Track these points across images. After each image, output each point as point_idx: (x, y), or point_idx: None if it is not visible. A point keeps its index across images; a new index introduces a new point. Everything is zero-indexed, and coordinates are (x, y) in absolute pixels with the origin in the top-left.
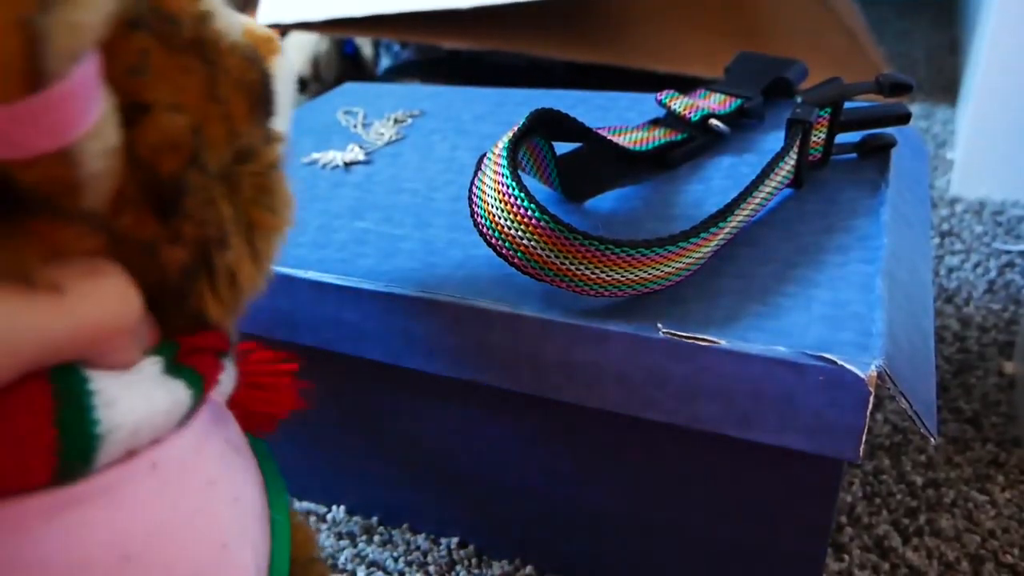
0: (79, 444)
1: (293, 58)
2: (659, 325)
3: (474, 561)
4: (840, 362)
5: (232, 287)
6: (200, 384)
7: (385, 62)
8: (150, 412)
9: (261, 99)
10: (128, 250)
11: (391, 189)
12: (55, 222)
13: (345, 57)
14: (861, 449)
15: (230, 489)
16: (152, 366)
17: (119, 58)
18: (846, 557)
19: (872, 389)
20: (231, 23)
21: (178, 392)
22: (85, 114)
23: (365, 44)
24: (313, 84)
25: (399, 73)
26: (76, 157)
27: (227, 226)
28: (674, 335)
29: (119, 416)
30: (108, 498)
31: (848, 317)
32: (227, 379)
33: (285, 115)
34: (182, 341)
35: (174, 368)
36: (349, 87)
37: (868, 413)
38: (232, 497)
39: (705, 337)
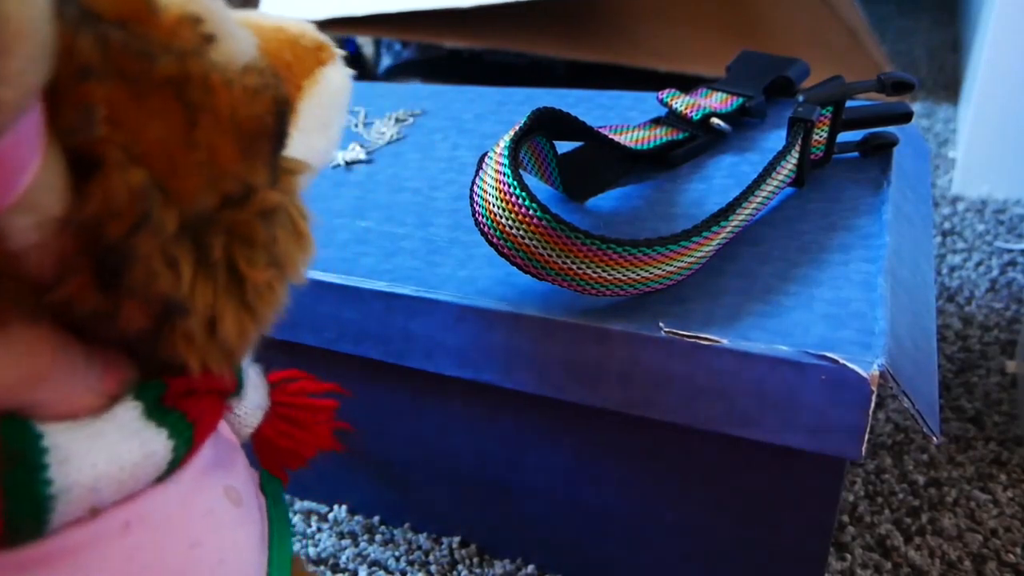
0: (28, 505)
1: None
2: (661, 324)
3: (475, 560)
4: (842, 361)
5: (214, 341)
6: (189, 432)
7: (386, 61)
8: (113, 468)
9: (266, 136)
10: (75, 310)
11: (392, 188)
12: None
13: (346, 56)
14: (863, 448)
15: (216, 551)
16: (128, 411)
17: (67, 112)
18: (848, 556)
19: (874, 388)
20: (239, 48)
21: (154, 443)
22: (10, 185)
23: (366, 43)
24: None
25: (400, 72)
26: (1, 231)
27: (189, 291)
28: (676, 334)
29: (75, 473)
30: (70, 561)
31: (850, 316)
32: (251, 414)
33: (328, 132)
34: (172, 382)
35: (158, 412)
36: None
37: (870, 412)
38: (217, 560)
39: (707, 336)
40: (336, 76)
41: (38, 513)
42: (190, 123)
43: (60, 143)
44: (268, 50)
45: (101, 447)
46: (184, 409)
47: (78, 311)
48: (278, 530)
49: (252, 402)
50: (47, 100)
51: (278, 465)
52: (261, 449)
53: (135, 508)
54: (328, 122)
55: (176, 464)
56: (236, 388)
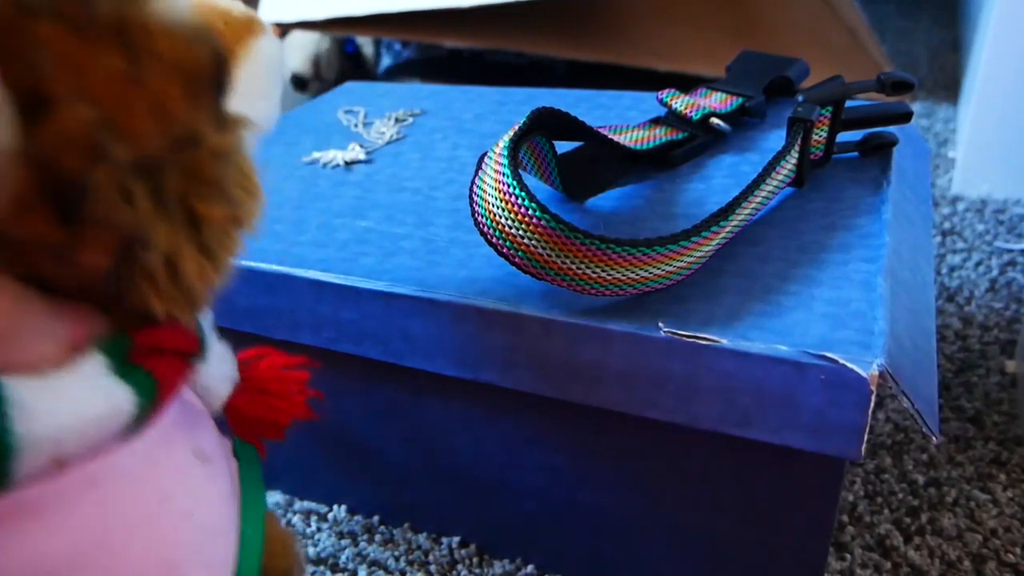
0: None
1: (293, 55)
2: (661, 324)
3: (475, 560)
4: (842, 361)
5: (176, 284)
6: (152, 391)
7: (386, 61)
8: (77, 420)
9: (208, 80)
10: (35, 253)
11: (392, 188)
12: None
13: (346, 56)
14: (863, 448)
15: (186, 504)
16: (93, 366)
17: (12, 49)
18: (848, 556)
19: (874, 388)
20: (173, 2)
21: (118, 398)
22: None
23: (366, 43)
24: (314, 83)
25: (400, 72)
26: None
27: (148, 224)
28: (676, 334)
29: (38, 425)
30: (34, 516)
31: (850, 316)
32: (222, 384)
33: (268, 100)
34: (139, 337)
35: (123, 369)
36: (350, 86)
37: (870, 412)
38: (187, 513)
39: (707, 336)
40: (268, 46)
41: (2, 464)
42: (133, 64)
43: (8, 83)
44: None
45: (65, 399)
46: (149, 367)
47: (39, 252)
48: (250, 490)
49: (220, 372)
50: None
51: (254, 435)
52: (235, 420)
53: (102, 463)
54: (265, 90)
55: (141, 420)
56: (200, 349)
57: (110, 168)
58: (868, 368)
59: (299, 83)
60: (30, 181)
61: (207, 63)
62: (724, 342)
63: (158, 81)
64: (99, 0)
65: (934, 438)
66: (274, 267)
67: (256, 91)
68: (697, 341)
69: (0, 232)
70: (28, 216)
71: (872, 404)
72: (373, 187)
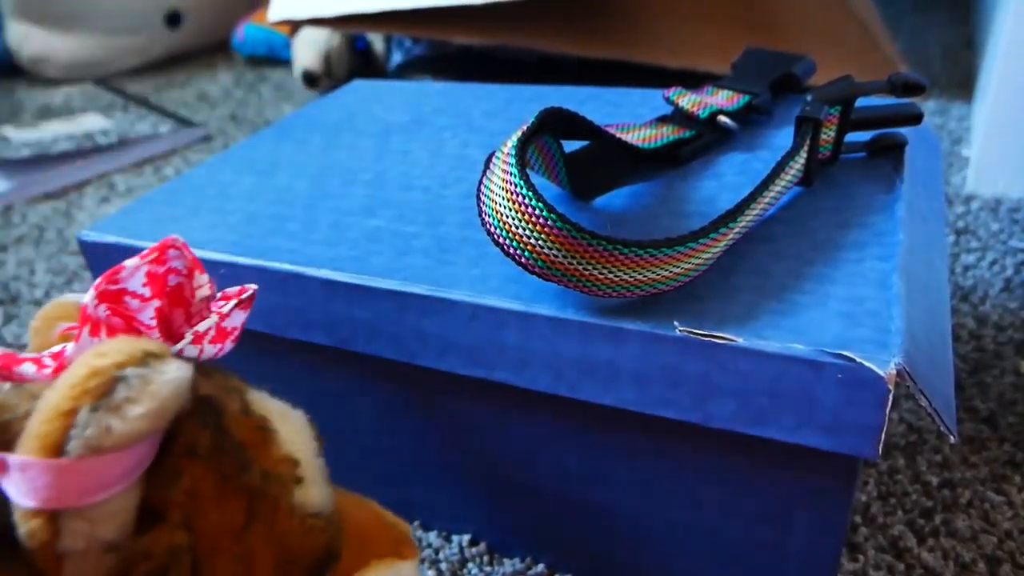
0: None
1: (303, 52)
2: (676, 323)
3: (486, 559)
4: (859, 360)
5: None
6: None
7: (397, 58)
8: None
9: (302, 568)
10: None
11: (402, 186)
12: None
13: (357, 53)
14: (880, 447)
15: None
16: None
17: (163, 469)
18: (861, 557)
19: (891, 387)
20: (318, 495)
21: None
22: (94, 491)
23: (377, 40)
24: (324, 80)
25: (411, 69)
26: (61, 525)
27: None
28: (691, 333)
29: None
30: None
31: (865, 314)
32: None
33: None
34: None
35: None
36: (360, 83)
37: (887, 411)
38: None
39: (722, 335)
40: (408, 573)
41: None
42: (246, 524)
43: (143, 489)
44: (356, 518)
45: None
46: None
47: None
48: None
49: None
50: (156, 454)
51: None
52: None
53: None
54: None
55: None
56: None
57: None
58: (886, 367)
59: (310, 80)
60: (105, 569)
61: (311, 554)
62: (740, 341)
63: (258, 547)
64: (252, 469)
65: (952, 438)
66: (285, 266)
67: None
68: (712, 340)
69: None
70: None
71: (889, 403)
72: (383, 185)
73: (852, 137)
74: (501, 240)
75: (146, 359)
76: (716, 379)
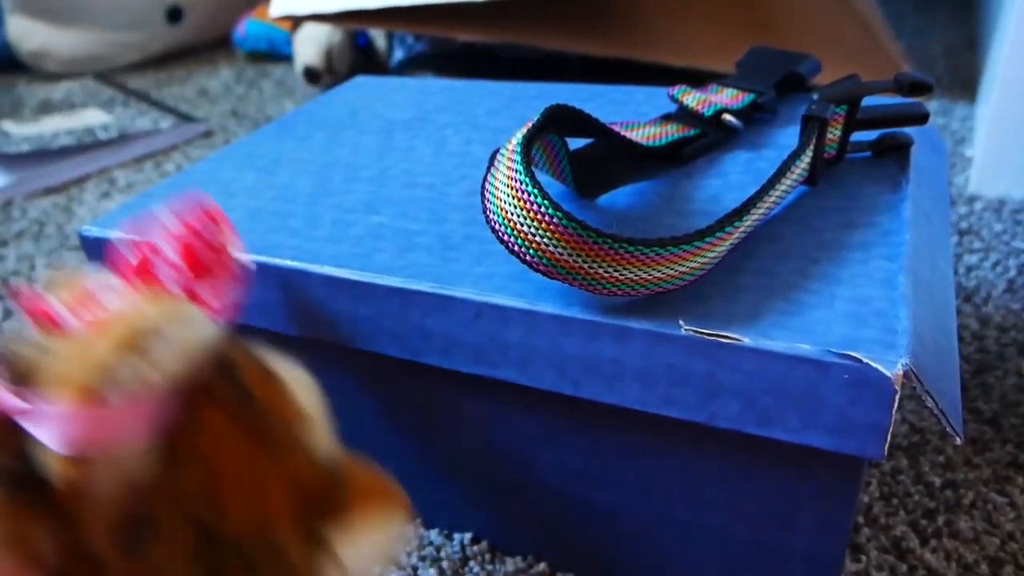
0: None
1: (305, 48)
2: (681, 322)
3: (487, 557)
4: (866, 360)
5: None
6: None
7: (399, 54)
8: None
9: (312, 503)
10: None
11: (405, 183)
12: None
13: (358, 49)
14: (886, 448)
15: None
16: None
17: (188, 416)
18: (863, 558)
19: (898, 388)
20: (328, 446)
21: None
22: (123, 438)
23: (379, 36)
24: (326, 76)
25: (413, 66)
26: (92, 469)
27: None
28: (696, 332)
29: None
30: None
31: (872, 314)
32: None
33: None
34: None
35: None
36: (363, 79)
37: (893, 412)
38: None
39: (727, 334)
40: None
41: None
42: (264, 466)
43: (170, 434)
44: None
45: None
46: None
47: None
48: None
49: None
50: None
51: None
52: None
53: None
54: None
55: None
56: None
57: (187, 527)
58: (892, 367)
59: (311, 76)
60: (124, 505)
61: (324, 493)
62: (745, 340)
63: (273, 487)
64: (268, 417)
65: (958, 439)
66: (288, 263)
67: (359, 553)
68: (718, 339)
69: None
70: (106, 539)
71: (896, 404)
72: (386, 182)
73: (857, 136)
74: (505, 237)
75: (178, 316)
76: (721, 379)
